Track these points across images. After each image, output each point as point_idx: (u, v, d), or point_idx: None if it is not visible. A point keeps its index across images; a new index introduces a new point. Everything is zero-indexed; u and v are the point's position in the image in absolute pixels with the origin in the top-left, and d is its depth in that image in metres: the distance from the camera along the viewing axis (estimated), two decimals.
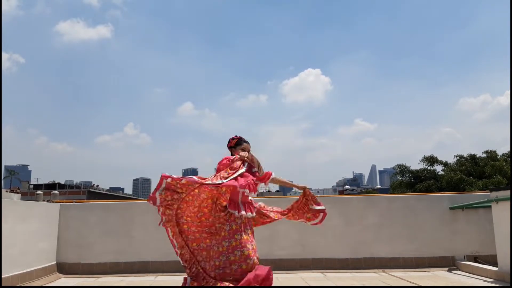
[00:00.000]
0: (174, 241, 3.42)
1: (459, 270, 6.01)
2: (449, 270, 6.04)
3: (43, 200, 7.08)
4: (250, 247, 3.22)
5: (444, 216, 6.51)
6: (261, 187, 3.84)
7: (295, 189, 4.17)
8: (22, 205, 5.55)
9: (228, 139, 3.89)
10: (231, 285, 3.08)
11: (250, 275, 3.05)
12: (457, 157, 29.36)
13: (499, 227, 5.32)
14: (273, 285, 3.19)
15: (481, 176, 26.02)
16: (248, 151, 3.71)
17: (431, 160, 29.32)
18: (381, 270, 6.14)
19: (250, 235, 3.33)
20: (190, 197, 3.29)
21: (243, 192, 3.33)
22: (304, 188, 3.91)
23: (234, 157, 3.63)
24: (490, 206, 5.67)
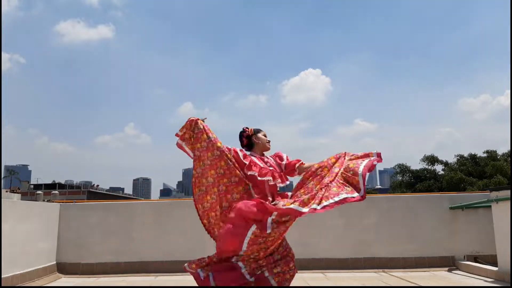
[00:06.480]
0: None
1: (459, 270, 6.01)
2: (449, 270, 6.03)
3: (43, 200, 7.08)
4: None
5: (444, 216, 6.51)
6: None
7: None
8: (22, 205, 5.55)
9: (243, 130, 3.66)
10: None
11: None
12: (458, 157, 29.31)
13: (499, 227, 5.33)
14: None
15: (482, 176, 25.98)
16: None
17: (432, 159, 29.26)
18: (381, 270, 6.14)
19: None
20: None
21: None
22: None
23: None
24: (490, 206, 5.67)
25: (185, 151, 3.55)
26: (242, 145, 3.63)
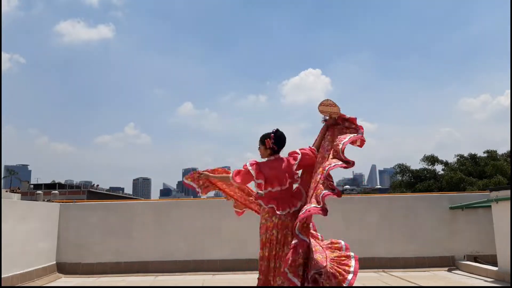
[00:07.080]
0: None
1: (459, 270, 6.01)
2: (449, 270, 6.04)
3: (43, 200, 7.09)
4: None
5: (444, 216, 6.51)
6: None
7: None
8: (22, 205, 5.55)
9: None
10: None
11: None
12: (458, 157, 29.30)
13: (499, 227, 5.33)
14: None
15: (482, 176, 25.97)
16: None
17: (432, 159, 29.24)
18: (381, 270, 6.14)
19: None
20: None
21: None
22: None
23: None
24: (490, 206, 5.67)
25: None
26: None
